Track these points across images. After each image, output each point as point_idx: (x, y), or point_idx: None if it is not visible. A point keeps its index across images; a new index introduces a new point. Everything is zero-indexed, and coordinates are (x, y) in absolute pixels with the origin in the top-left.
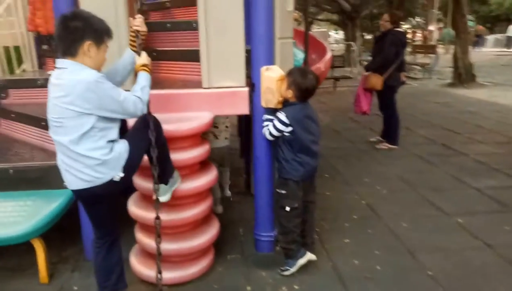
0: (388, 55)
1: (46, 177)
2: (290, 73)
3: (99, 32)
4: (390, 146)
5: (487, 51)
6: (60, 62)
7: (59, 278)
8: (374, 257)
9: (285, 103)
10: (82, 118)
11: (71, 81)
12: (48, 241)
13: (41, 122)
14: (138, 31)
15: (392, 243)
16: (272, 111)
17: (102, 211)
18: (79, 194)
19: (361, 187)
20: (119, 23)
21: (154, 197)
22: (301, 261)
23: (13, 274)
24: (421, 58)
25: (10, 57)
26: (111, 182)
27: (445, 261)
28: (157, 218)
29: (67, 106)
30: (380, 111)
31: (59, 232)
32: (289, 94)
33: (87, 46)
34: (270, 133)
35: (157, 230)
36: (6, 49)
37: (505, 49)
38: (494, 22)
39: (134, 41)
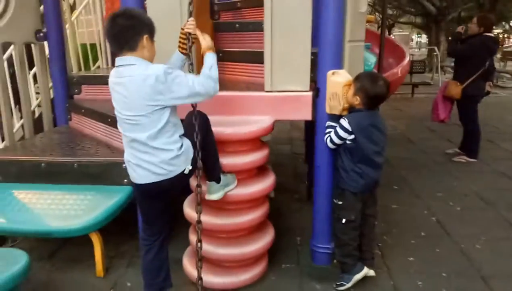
0: (455, 50)
1: (107, 173)
2: (358, 78)
3: (151, 26)
4: (469, 159)
5: None
6: (124, 59)
7: (114, 273)
8: (441, 280)
9: (350, 110)
10: (158, 113)
11: (140, 76)
12: (107, 234)
13: (108, 119)
14: (189, 33)
15: (463, 265)
16: (336, 118)
17: (162, 206)
18: (146, 188)
19: (433, 201)
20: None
21: (206, 197)
22: (358, 276)
23: (72, 265)
24: (511, 66)
25: (87, 54)
26: (181, 175)
27: None
28: (199, 222)
29: (144, 102)
30: (460, 122)
31: (119, 226)
32: (356, 101)
33: (146, 39)
34: (331, 141)
35: (198, 235)
36: (84, 46)
37: None
38: None
39: (184, 43)
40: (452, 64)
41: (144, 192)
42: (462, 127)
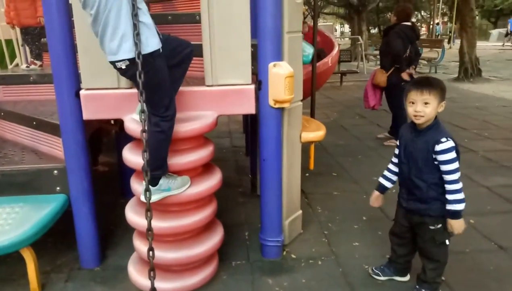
0: (395, 48)
1: (37, 181)
2: (435, 84)
3: None
4: (398, 142)
5: (491, 46)
6: None
7: (51, 289)
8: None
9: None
10: None
11: None
12: (41, 247)
13: (33, 122)
14: None
15: None
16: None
17: None
18: None
19: (370, 185)
20: None
21: (140, 197)
22: None
23: (2, 286)
24: (427, 53)
25: (3, 51)
26: None
27: (457, 264)
28: (149, 229)
29: None
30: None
31: (55, 237)
32: (442, 107)
33: None
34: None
35: (149, 243)
36: None
37: (509, 44)
38: (498, 16)
39: None
40: (375, 52)
41: None
42: (390, 113)
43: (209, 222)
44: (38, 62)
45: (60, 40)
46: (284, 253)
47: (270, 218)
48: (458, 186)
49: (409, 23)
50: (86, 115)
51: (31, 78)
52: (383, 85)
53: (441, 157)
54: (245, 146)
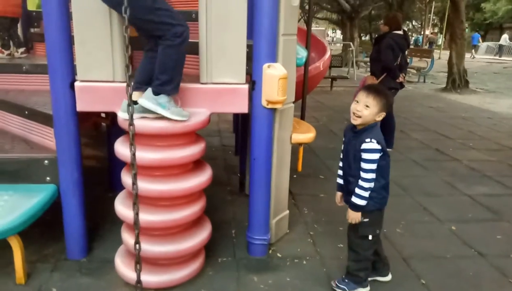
0: (386, 60)
1: (27, 170)
2: (382, 94)
3: None
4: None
5: (479, 58)
6: None
7: (37, 279)
8: None
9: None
10: None
11: None
12: (28, 237)
13: (25, 111)
14: None
15: (386, 249)
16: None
17: None
18: None
19: None
20: None
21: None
22: (361, 290)
23: None
24: (416, 62)
25: None
26: None
27: (438, 269)
28: (136, 223)
29: None
30: None
31: (42, 228)
32: (380, 117)
33: None
34: (371, 171)
35: (136, 237)
36: None
37: (497, 57)
38: (487, 30)
39: None
40: (366, 58)
41: None
42: None
43: (197, 218)
44: (6, 51)
45: (57, 30)
46: (270, 251)
47: (257, 216)
48: (366, 184)
49: (400, 32)
50: (79, 107)
51: (24, 67)
52: None
53: (363, 155)
54: (234, 145)
